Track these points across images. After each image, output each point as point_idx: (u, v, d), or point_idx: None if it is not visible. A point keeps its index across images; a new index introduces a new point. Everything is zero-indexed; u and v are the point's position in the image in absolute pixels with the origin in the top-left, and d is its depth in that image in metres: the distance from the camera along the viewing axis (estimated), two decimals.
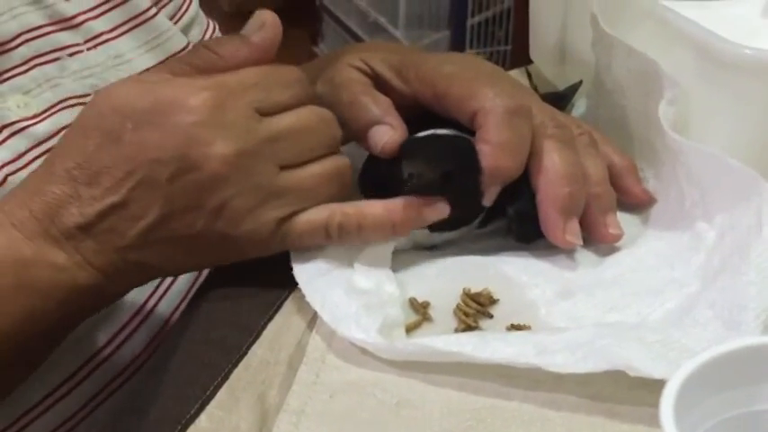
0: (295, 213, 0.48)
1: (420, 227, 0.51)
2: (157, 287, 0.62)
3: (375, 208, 0.50)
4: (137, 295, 0.60)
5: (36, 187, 0.47)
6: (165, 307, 0.63)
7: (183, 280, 0.64)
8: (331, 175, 0.49)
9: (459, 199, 0.52)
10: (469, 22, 2.29)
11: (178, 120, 0.46)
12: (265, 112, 0.47)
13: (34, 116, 0.57)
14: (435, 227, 0.52)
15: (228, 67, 0.48)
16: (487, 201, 0.52)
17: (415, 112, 0.54)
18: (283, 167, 0.48)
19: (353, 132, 0.52)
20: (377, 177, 0.53)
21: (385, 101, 0.53)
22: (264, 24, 0.49)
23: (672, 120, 0.55)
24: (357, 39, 2.61)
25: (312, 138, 0.49)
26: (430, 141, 0.52)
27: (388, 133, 0.52)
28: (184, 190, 0.46)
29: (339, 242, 0.50)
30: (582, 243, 0.53)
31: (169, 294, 0.63)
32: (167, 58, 0.66)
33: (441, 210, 0.51)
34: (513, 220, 0.54)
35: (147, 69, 0.63)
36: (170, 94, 0.46)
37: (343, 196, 0.50)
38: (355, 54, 0.56)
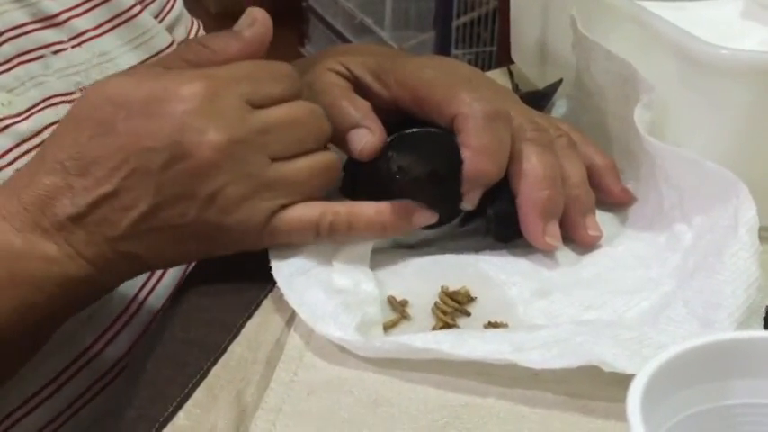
0: (285, 207, 0.49)
1: (408, 231, 0.52)
2: (142, 288, 0.62)
3: (367, 210, 0.51)
4: (122, 296, 0.60)
5: (27, 179, 0.48)
6: (150, 308, 0.62)
7: (168, 281, 0.64)
8: (320, 170, 0.50)
9: (444, 197, 0.52)
10: (455, 23, 2.30)
11: (170, 108, 0.46)
12: (256, 104, 0.48)
13: (18, 114, 0.57)
14: None
15: (220, 61, 0.49)
16: (470, 205, 0.52)
17: (398, 115, 0.54)
18: (274, 159, 0.48)
19: (333, 136, 0.53)
20: (358, 175, 0.54)
21: (363, 104, 0.53)
22: (256, 21, 0.50)
23: (648, 123, 0.55)
24: (344, 40, 2.62)
25: (302, 131, 0.49)
26: (421, 138, 0.53)
27: (366, 137, 0.52)
28: (176, 178, 0.46)
29: (326, 240, 0.50)
30: (561, 245, 0.53)
31: (153, 296, 0.63)
32: (152, 57, 0.66)
33: (429, 216, 0.52)
34: (492, 220, 0.54)
35: (132, 67, 0.63)
36: (162, 84, 0.47)
37: (327, 191, 0.51)
38: (334, 58, 0.56)
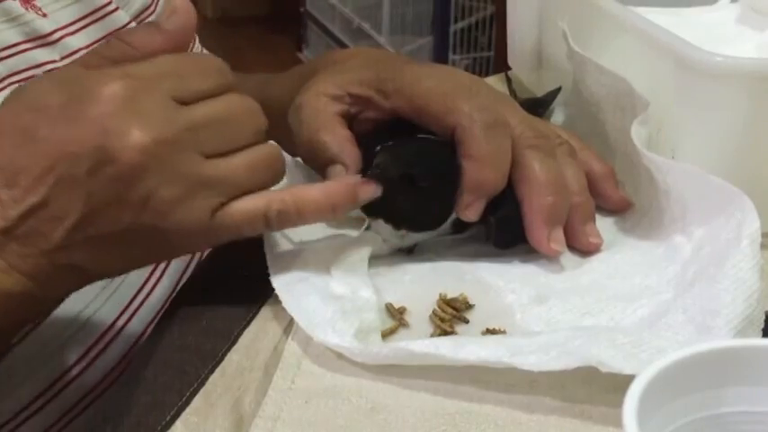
0: (228, 203, 0.47)
1: (356, 207, 0.51)
2: (130, 303, 0.61)
3: (313, 192, 0.49)
4: (108, 312, 0.60)
5: None
6: (137, 324, 0.62)
7: (157, 296, 0.63)
8: (261, 164, 0.48)
9: (424, 202, 0.52)
10: (452, 28, 2.31)
11: (91, 112, 0.44)
12: (184, 101, 0.46)
13: None
14: (401, 226, 0.53)
15: (143, 57, 0.47)
16: (473, 216, 0.53)
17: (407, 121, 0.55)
18: (209, 157, 0.46)
19: (314, 167, 0.53)
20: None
21: (343, 137, 0.53)
22: (176, 10, 0.48)
23: (645, 140, 0.55)
24: (341, 45, 2.62)
25: (236, 126, 0.47)
26: (408, 142, 0.53)
27: (338, 176, 0.52)
28: (105, 184, 0.44)
29: (280, 228, 0.49)
30: (566, 251, 0.54)
31: (141, 311, 0.62)
32: None
33: (373, 189, 0.50)
34: (493, 227, 0.54)
35: (53, 69, 0.61)
36: (81, 86, 0.45)
37: (277, 183, 0.49)
38: (331, 78, 0.56)
